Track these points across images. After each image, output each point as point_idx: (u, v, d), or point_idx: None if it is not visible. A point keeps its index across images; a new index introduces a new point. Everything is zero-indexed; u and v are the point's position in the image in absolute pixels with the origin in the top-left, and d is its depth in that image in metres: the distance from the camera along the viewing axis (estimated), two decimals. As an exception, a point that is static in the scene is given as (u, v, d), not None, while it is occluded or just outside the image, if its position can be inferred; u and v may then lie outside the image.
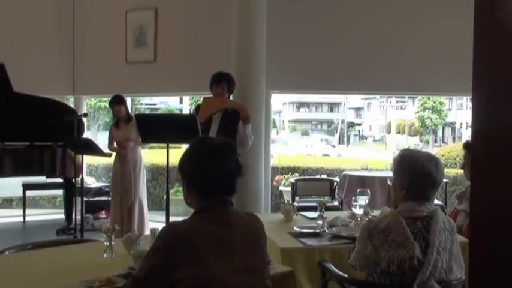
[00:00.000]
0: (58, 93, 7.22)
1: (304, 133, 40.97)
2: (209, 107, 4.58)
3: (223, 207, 1.87)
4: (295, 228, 3.08)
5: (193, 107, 5.72)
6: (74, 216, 6.06)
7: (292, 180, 6.85)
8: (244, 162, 1.94)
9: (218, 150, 1.89)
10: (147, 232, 3.75)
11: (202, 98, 4.98)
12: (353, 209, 3.26)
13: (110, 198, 6.92)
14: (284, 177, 8.13)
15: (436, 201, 2.53)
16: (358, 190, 3.31)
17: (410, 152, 2.35)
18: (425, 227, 2.19)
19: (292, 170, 8.66)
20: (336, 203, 6.55)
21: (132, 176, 5.57)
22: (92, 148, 5.22)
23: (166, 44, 6.87)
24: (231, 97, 4.94)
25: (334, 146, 28.31)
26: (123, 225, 5.47)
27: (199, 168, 1.86)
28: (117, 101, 5.62)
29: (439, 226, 2.17)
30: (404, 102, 32.94)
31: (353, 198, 3.24)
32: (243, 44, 5.62)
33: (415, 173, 2.23)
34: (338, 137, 35.32)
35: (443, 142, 32.72)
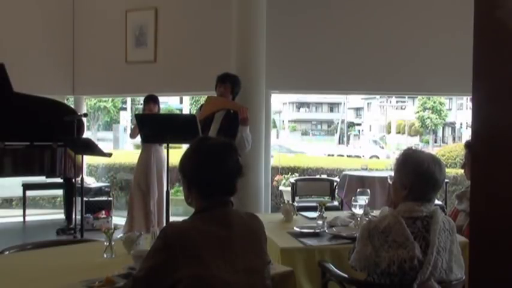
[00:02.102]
0: (58, 93, 7.22)
1: (304, 133, 40.95)
2: (211, 106, 4.61)
3: (223, 207, 1.87)
4: (295, 228, 3.08)
5: (194, 106, 5.74)
6: (74, 216, 6.05)
7: (292, 180, 6.85)
8: (244, 163, 1.94)
9: (218, 150, 1.89)
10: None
11: (206, 97, 5.02)
12: (353, 209, 3.26)
13: (110, 198, 6.96)
14: (284, 177, 8.13)
15: (436, 201, 2.52)
16: (358, 190, 3.31)
17: (414, 152, 2.34)
18: (425, 227, 2.19)
19: (292, 170, 8.66)
20: (336, 203, 6.55)
21: (155, 174, 5.61)
22: (92, 148, 5.22)
23: (166, 44, 6.87)
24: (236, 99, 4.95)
25: (382, 147, 27.56)
26: (148, 223, 5.56)
27: (199, 168, 1.87)
28: (152, 99, 5.72)
29: (439, 226, 2.17)
30: (404, 102, 32.90)
31: (353, 198, 3.24)
32: (243, 44, 5.62)
33: (418, 173, 2.22)
34: (338, 137, 35.29)
35: (443, 142, 32.70)
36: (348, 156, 20.99)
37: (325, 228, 3.02)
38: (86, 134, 6.86)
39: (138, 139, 5.76)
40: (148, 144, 5.62)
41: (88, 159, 7.94)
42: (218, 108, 4.61)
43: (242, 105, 4.63)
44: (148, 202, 5.65)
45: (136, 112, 10.39)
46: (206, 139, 2.06)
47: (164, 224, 5.56)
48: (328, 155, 21.00)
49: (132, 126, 5.93)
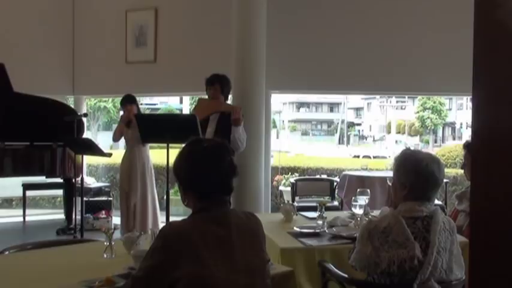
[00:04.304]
0: (58, 93, 7.22)
1: (304, 133, 40.97)
2: (203, 110, 4.62)
3: (221, 207, 1.87)
4: (295, 228, 3.07)
5: (193, 106, 5.76)
6: (74, 216, 6.06)
7: (292, 180, 6.85)
8: (240, 163, 1.94)
9: (211, 152, 1.89)
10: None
11: (197, 100, 5.02)
12: (353, 209, 3.26)
13: (110, 198, 6.96)
14: (284, 177, 8.13)
15: (436, 201, 2.52)
16: (358, 190, 3.31)
17: (412, 152, 2.35)
18: (426, 227, 2.19)
19: (292, 170, 8.66)
20: (336, 203, 6.55)
21: (138, 176, 5.58)
22: (92, 148, 5.22)
23: (166, 44, 6.87)
24: (229, 98, 4.96)
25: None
26: (128, 224, 5.52)
27: (193, 171, 1.86)
28: (129, 101, 5.65)
29: (439, 226, 2.17)
30: (404, 102, 32.93)
31: (353, 198, 3.24)
32: (243, 44, 5.62)
33: (418, 172, 2.22)
34: (338, 137, 35.31)
35: (443, 142, 32.71)
36: (374, 157, 20.55)
37: (325, 228, 3.02)
38: (86, 134, 6.86)
39: (122, 141, 5.78)
40: (132, 144, 5.59)
41: (88, 159, 7.94)
42: (210, 112, 4.62)
43: (234, 106, 4.66)
44: (129, 203, 5.60)
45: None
46: (198, 141, 2.03)
47: (149, 225, 5.56)
48: (354, 156, 20.68)
49: (114, 133, 5.83)
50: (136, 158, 5.59)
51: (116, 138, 5.82)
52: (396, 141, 30.00)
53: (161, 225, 5.62)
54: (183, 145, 1.97)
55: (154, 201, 5.72)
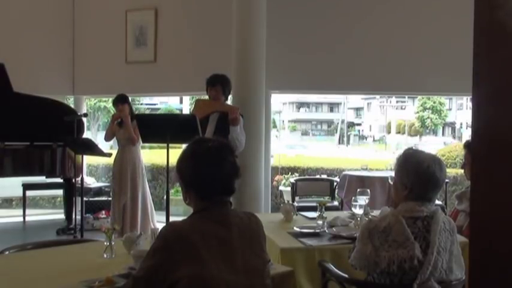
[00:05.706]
0: (58, 93, 7.22)
1: (304, 133, 40.95)
2: (201, 110, 4.63)
3: (222, 207, 1.87)
4: (295, 228, 3.08)
5: (192, 108, 5.76)
6: (74, 216, 6.06)
7: (292, 180, 6.85)
8: (240, 163, 1.93)
9: (215, 152, 1.88)
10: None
11: (195, 101, 5.02)
12: (353, 209, 3.26)
13: (110, 198, 6.95)
14: (284, 177, 8.13)
15: (436, 201, 2.52)
16: (358, 190, 3.31)
17: (414, 152, 2.34)
18: (426, 227, 2.19)
19: (292, 170, 8.65)
20: (336, 203, 6.55)
21: (128, 176, 5.56)
22: (92, 148, 5.22)
23: (166, 44, 6.87)
24: (229, 98, 4.96)
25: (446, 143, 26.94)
26: (123, 225, 5.51)
27: (196, 171, 1.86)
28: (120, 100, 5.63)
29: (439, 226, 2.17)
30: (404, 102, 32.92)
31: (353, 198, 3.24)
32: (243, 44, 5.62)
33: (419, 173, 2.22)
34: (338, 137, 35.29)
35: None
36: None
37: (325, 228, 3.02)
38: (86, 134, 6.86)
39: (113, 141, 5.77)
40: (123, 144, 5.59)
41: (88, 159, 7.94)
42: (208, 113, 4.63)
43: (232, 106, 4.66)
44: (119, 203, 5.59)
45: (137, 112, 10.42)
46: (202, 141, 2.03)
47: (139, 224, 5.55)
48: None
49: (106, 133, 5.83)
50: (127, 158, 5.58)
51: (107, 138, 5.79)
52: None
53: (156, 225, 5.62)
54: (186, 144, 1.96)
55: (145, 201, 5.69)
